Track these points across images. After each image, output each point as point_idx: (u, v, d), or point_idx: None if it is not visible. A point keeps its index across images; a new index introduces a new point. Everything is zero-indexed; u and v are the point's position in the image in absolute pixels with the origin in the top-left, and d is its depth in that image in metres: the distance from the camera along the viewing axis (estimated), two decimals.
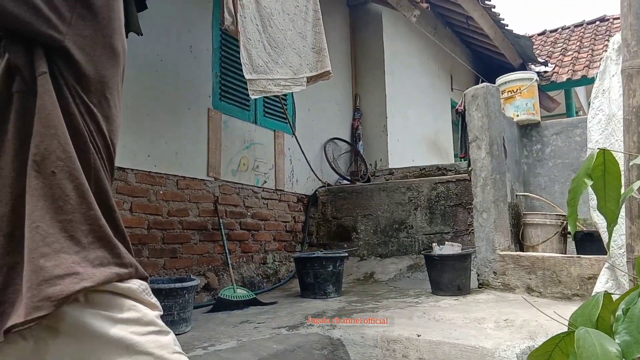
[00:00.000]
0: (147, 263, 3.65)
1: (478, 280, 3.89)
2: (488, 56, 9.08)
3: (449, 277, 3.74)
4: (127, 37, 1.16)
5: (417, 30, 7.13)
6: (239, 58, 3.58)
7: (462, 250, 3.88)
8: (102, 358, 0.86)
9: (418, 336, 2.56)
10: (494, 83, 4.76)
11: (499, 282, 3.75)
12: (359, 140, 6.64)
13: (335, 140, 6.25)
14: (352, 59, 6.90)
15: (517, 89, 4.83)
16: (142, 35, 3.11)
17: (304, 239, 5.56)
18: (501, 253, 3.78)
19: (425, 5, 5.50)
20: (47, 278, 0.81)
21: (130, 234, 3.57)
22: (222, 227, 4.28)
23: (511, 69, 7.86)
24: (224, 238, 4.27)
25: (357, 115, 6.73)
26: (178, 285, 2.97)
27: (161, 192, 3.84)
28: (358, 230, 5.42)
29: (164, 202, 3.87)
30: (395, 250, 5.17)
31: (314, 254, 4.28)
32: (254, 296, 3.88)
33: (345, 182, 6.06)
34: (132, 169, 3.61)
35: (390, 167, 6.50)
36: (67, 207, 0.88)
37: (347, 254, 4.42)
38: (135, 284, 0.95)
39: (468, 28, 7.98)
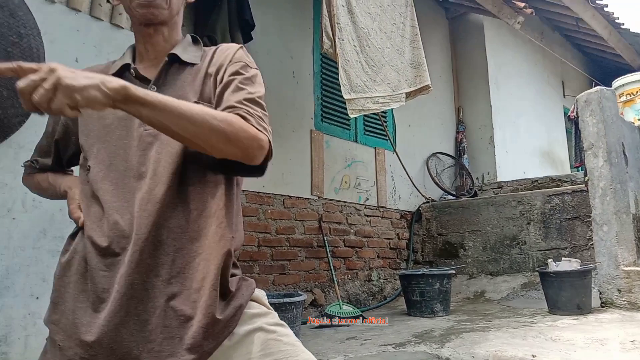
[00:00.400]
0: (258, 279, 3.83)
1: (600, 298, 3.58)
2: (603, 58, 8.42)
3: (567, 296, 3.48)
4: None
5: (523, 37, 6.82)
6: (338, 80, 3.68)
7: (581, 266, 3.61)
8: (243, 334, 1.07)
9: (533, 357, 2.41)
10: (611, 86, 4.41)
11: (624, 301, 3.42)
12: (464, 154, 6.45)
13: (438, 155, 6.13)
14: (453, 72, 6.77)
15: (637, 91, 4.44)
16: None
17: (408, 256, 5.49)
18: (626, 269, 3.45)
19: (529, 10, 5.26)
20: None
21: (242, 251, 3.80)
22: (326, 244, 4.38)
23: (630, 70, 7.21)
24: (329, 255, 4.35)
25: (461, 128, 6.56)
26: (286, 300, 3.07)
27: (269, 211, 4.03)
28: (466, 247, 5.24)
29: (272, 221, 4.05)
30: (507, 268, 4.92)
31: (420, 271, 4.21)
32: (360, 313, 3.90)
33: (450, 197, 5.90)
34: (243, 190, 3.84)
35: (498, 180, 6.23)
36: None
37: (454, 272, 4.29)
38: (261, 292, 1.16)
39: (579, 30, 7.47)
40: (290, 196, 4.23)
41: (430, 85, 4.35)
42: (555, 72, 8.00)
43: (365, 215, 5.01)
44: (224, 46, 1.23)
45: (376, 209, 5.15)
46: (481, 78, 6.56)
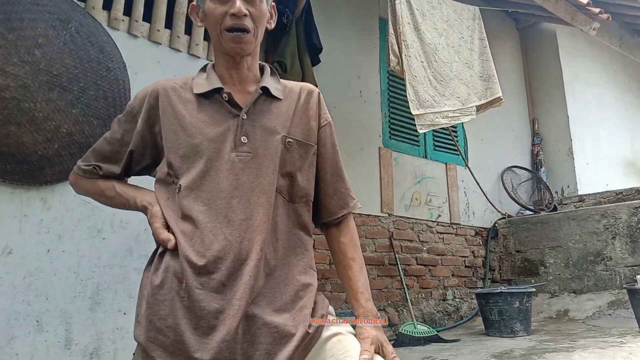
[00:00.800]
0: (330, 297, 3.85)
1: None
2: None
3: None
4: None
5: (599, 43, 6.50)
6: (405, 96, 3.68)
7: None
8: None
9: None
10: None
11: None
12: (541, 167, 6.19)
13: (514, 169, 5.92)
14: (526, 83, 6.55)
15: None
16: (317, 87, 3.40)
17: (485, 275, 5.31)
18: None
19: (605, 16, 5.01)
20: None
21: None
22: (398, 262, 4.33)
23: None
24: (401, 273, 4.30)
25: (537, 141, 6.31)
26: None
27: None
28: (546, 264, 4.99)
29: None
30: (592, 285, 4.63)
31: (497, 289, 4.06)
32: (436, 333, 3.81)
33: (527, 212, 5.66)
34: None
35: (579, 193, 5.91)
36: None
37: (534, 290, 4.10)
38: (330, 307, 1.22)
39: None
40: (360, 214, 4.23)
41: (501, 97, 4.25)
42: (637, 78, 7.53)
43: (438, 232, 4.92)
44: (305, 88, 1.32)
45: (449, 226, 5.04)
46: (556, 88, 6.30)
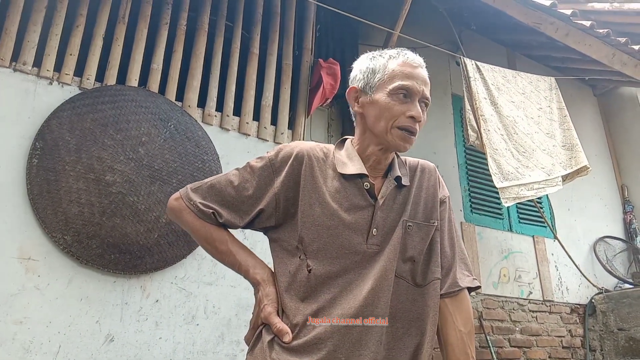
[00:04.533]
0: None
1: None
2: None
3: None
4: None
5: None
6: (485, 169, 3.63)
7: None
8: None
9: None
10: None
11: None
12: (636, 236, 5.76)
13: (606, 239, 5.55)
14: (610, 149, 6.28)
15: None
16: None
17: (585, 356, 4.85)
18: None
19: None
20: None
21: None
22: (490, 344, 4.06)
23: None
24: (494, 356, 4.02)
25: (629, 208, 5.92)
26: None
27: None
28: None
29: None
30: None
31: None
32: None
33: (627, 285, 5.22)
34: None
35: None
36: None
37: None
38: None
39: None
40: None
41: (588, 166, 4.09)
42: None
43: (530, 310, 4.61)
44: (424, 166, 1.35)
45: (542, 303, 4.72)
46: None
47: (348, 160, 1.24)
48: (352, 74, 1.32)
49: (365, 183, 1.21)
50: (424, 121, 1.24)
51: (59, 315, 2.35)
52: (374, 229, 1.17)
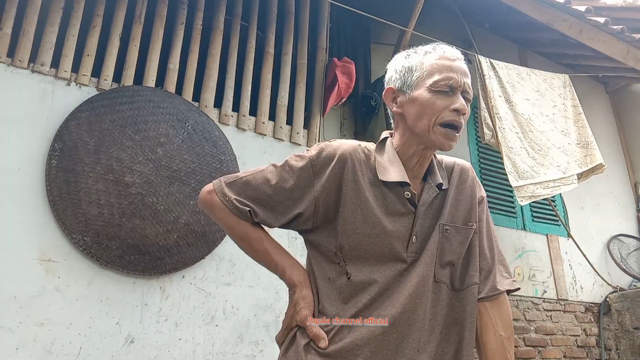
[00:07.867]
0: None
1: None
2: None
3: None
4: None
5: None
6: (499, 167, 3.62)
7: None
8: None
9: None
10: None
11: None
12: None
13: (620, 237, 5.51)
14: (623, 146, 6.23)
15: None
16: None
17: (601, 355, 4.81)
18: None
19: None
20: None
21: None
22: None
23: None
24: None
25: None
26: None
27: None
28: None
29: None
30: None
31: None
32: None
33: None
34: None
35: None
36: None
37: None
38: None
39: None
40: None
41: (604, 164, 4.06)
42: None
43: (545, 309, 4.58)
44: (460, 165, 1.30)
45: (556, 302, 4.69)
46: None
47: (389, 164, 1.20)
48: (387, 76, 1.28)
49: (406, 192, 1.17)
50: (468, 113, 1.19)
51: (80, 317, 2.34)
52: (414, 237, 1.16)
